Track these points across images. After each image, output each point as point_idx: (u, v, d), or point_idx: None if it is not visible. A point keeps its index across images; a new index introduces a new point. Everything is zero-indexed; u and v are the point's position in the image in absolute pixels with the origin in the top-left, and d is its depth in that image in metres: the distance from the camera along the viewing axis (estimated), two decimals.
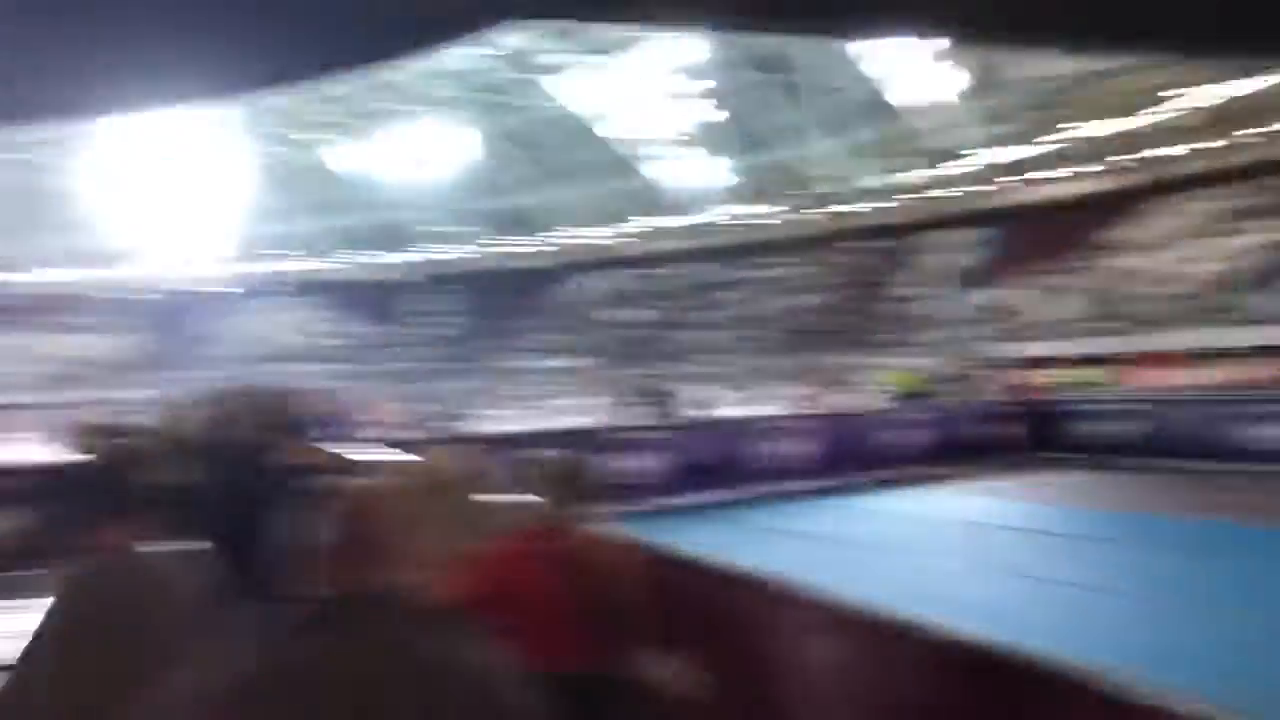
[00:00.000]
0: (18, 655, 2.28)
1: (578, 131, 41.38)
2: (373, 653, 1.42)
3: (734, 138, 39.43)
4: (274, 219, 48.71)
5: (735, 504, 12.13)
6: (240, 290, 51.79)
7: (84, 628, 2.26)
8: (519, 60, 40.04)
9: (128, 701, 1.96)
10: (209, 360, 48.84)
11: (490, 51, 39.67)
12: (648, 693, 3.05)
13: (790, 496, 12.58)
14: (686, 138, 40.58)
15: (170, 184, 46.14)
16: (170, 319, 51.65)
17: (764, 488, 12.81)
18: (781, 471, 13.29)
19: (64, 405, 34.38)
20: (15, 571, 8.39)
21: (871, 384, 27.08)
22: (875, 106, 37.19)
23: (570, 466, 3.17)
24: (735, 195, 42.06)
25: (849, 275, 40.76)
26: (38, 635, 2.30)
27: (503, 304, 49.69)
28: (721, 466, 13.06)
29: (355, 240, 51.11)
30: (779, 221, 42.10)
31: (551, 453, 3.28)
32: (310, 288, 52.41)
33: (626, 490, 11.97)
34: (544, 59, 39.31)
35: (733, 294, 43.94)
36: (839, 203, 40.29)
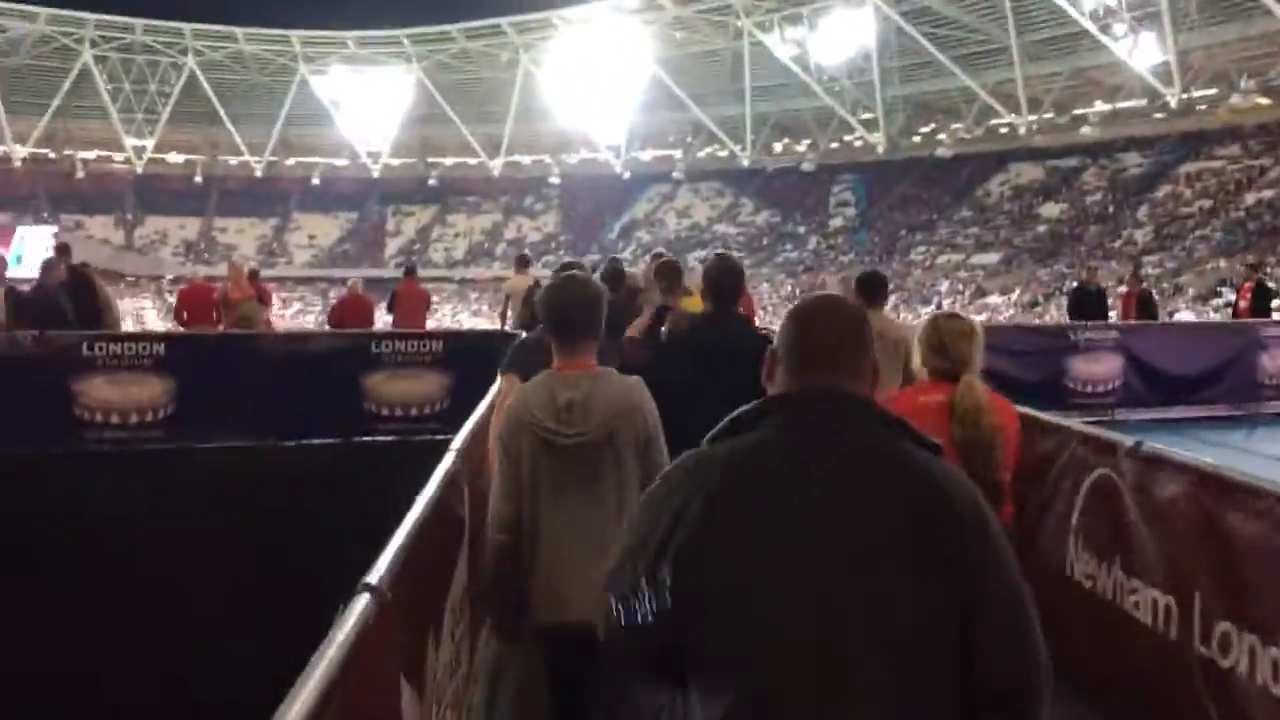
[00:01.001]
0: None
1: (1017, 10, 38.09)
2: (861, 449, 1.44)
3: (1195, 9, 34.23)
4: (704, 104, 50.02)
5: (1212, 422, 10.43)
6: (660, 173, 54.03)
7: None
8: None
9: None
10: (621, 242, 51.71)
11: None
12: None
13: None
14: (1136, 12, 35.85)
15: (611, 75, 48.65)
16: (587, 201, 55.23)
17: (1254, 406, 10.92)
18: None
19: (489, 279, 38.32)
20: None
21: None
22: None
23: (955, 327, 3.44)
24: (1196, 75, 36.71)
25: None
26: None
27: (921, 194, 47.68)
28: (1190, 378, 11.23)
29: (777, 126, 51.24)
30: (1251, 104, 36.25)
31: (942, 314, 3.60)
32: (726, 175, 53.41)
33: (1076, 397, 10.76)
34: None
35: (1187, 188, 38.76)
36: None
